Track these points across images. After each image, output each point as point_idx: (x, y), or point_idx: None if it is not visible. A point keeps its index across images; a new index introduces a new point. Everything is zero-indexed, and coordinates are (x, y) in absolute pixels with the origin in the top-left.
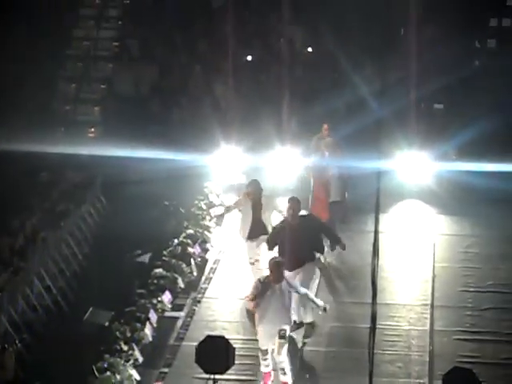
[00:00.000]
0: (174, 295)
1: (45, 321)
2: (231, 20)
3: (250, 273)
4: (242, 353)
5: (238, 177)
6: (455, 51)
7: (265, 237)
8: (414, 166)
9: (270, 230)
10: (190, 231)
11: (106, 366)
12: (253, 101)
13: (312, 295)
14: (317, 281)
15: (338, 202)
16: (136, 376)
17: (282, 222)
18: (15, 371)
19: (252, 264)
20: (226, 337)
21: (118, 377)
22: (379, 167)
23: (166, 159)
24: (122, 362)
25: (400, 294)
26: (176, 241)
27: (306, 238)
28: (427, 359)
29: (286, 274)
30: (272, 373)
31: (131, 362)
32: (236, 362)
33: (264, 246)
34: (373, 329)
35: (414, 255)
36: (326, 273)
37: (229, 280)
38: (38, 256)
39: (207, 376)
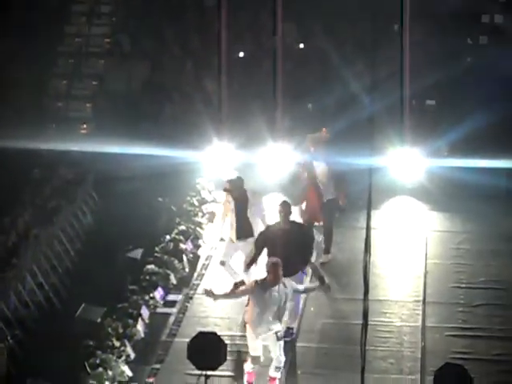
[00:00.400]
0: (166, 291)
1: (37, 317)
2: (223, 16)
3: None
4: (233, 349)
5: (230, 173)
6: (447, 47)
7: (252, 239)
8: (406, 163)
9: (256, 231)
10: (182, 227)
11: (98, 362)
12: (245, 97)
13: (311, 285)
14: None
15: (332, 200)
16: (128, 372)
17: (272, 225)
18: (7, 367)
19: (222, 264)
20: (218, 333)
21: (110, 373)
22: (371, 163)
23: (158, 155)
24: (114, 358)
25: (392, 290)
26: (168, 237)
27: (297, 244)
28: (419, 355)
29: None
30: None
31: (123, 358)
32: (228, 358)
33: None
34: (365, 325)
35: (406, 251)
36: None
37: (221, 276)
38: (31, 252)
39: (199, 372)
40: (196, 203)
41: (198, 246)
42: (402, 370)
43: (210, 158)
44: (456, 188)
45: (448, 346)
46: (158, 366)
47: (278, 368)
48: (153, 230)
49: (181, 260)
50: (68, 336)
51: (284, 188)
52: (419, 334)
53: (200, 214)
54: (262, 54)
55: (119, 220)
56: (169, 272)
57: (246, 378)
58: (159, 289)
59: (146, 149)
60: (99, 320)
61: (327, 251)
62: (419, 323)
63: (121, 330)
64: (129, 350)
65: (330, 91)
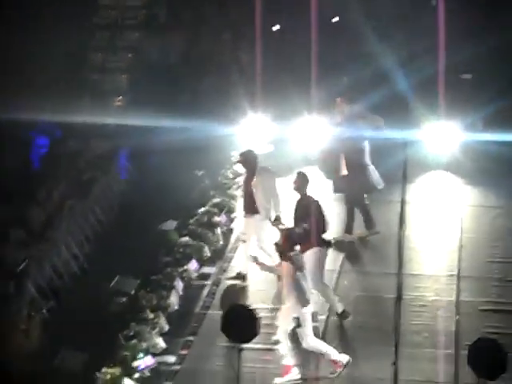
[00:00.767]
0: (200, 264)
1: (71, 288)
2: None
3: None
4: (267, 322)
5: (265, 146)
6: (484, 21)
7: (259, 216)
8: (442, 137)
9: (262, 209)
10: (217, 200)
11: (132, 333)
12: (280, 69)
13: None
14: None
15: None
16: (162, 344)
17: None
18: (41, 339)
19: (243, 242)
20: (252, 306)
21: (144, 344)
22: (406, 137)
23: (194, 128)
24: (148, 329)
25: (426, 264)
26: (202, 210)
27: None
28: (453, 330)
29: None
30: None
31: (157, 329)
32: (261, 330)
33: (260, 228)
34: (399, 299)
35: (441, 226)
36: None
37: (255, 249)
38: (65, 224)
39: (233, 344)
40: (230, 176)
41: (231, 219)
42: (436, 344)
43: (244, 130)
44: (491, 162)
45: (482, 321)
46: (191, 338)
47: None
48: (187, 203)
49: (215, 233)
50: (102, 307)
51: (317, 161)
52: (453, 308)
53: (234, 186)
54: (298, 27)
55: (154, 193)
56: (203, 244)
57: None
58: (193, 261)
59: (181, 122)
60: (133, 292)
61: (347, 230)
62: (453, 298)
63: (155, 302)
64: (163, 321)
65: (366, 64)
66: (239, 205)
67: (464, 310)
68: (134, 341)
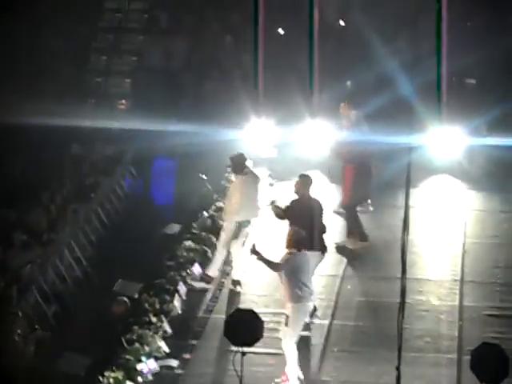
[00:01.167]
0: (203, 267)
1: (74, 292)
2: None
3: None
4: (270, 326)
5: (269, 150)
6: (488, 25)
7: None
8: (445, 141)
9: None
10: (220, 204)
11: (134, 337)
12: (284, 74)
13: None
14: None
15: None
16: (165, 348)
17: (295, 200)
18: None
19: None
20: (255, 310)
21: (147, 348)
22: (410, 142)
23: (197, 132)
24: (151, 333)
25: (430, 269)
26: (206, 213)
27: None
28: (456, 334)
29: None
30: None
31: (160, 333)
32: (264, 335)
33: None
34: (402, 303)
35: (444, 230)
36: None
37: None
38: (69, 228)
39: (236, 348)
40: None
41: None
42: (439, 348)
43: (248, 134)
44: (495, 167)
45: (485, 326)
46: (194, 341)
47: None
48: (191, 207)
49: (218, 236)
50: (105, 311)
51: (322, 165)
52: (456, 313)
53: None
54: (301, 31)
55: (157, 196)
56: (206, 248)
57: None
58: (196, 265)
59: (184, 126)
60: (136, 295)
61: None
62: (456, 302)
63: (158, 306)
64: (166, 325)
65: (370, 68)
66: None
67: (467, 315)
68: (137, 345)
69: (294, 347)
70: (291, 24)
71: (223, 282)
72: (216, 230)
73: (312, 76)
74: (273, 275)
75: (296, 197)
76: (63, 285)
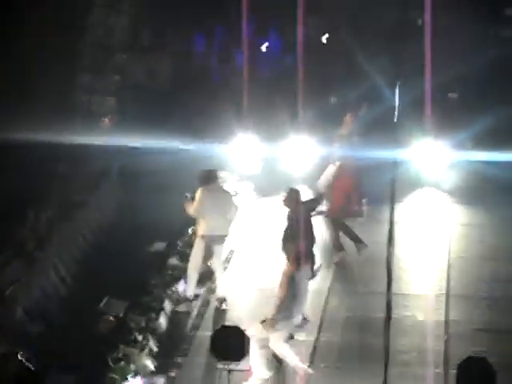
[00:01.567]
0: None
1: (60, 311)
2: (247, 8)
3: None
4: None
5: (254, 166)
6: (470, 40)
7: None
8: (430, 156)
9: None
10: None
11: (120, 355)
12: (269, 90)
13: None
14: None
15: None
16: (151, 366)
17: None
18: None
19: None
20: (241, 327)
21: (133, 366)
22: (395, 156)
23: (183, 149)
24: (137, 351)
25: (415, 283)
26: (191, 230)
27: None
28: (442, 348)
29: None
30: None
31: (146, 351)
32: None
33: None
34: (388, 318)
35: (430, 245)
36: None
37: (243, 270)
38: (54, 247)
39: (222, 365)
40: None
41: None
42: (425, 363)
43: (234, 151)
44: (480, 181)
45: (471, 340)
46: (180, 359)
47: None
48: (176, 224)
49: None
50: (91, 330)
51: (307, 181)
52: (442, 327)
53: None
54: (287, 47)
55: (143, 214)
56: None
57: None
58: (182, 282)
59: (170, 142)
60: (122, 314)
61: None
62: (442, 317)
63: (143, 324)
64: (151, 343)
65: (354, 85)
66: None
67: (453, 330)
68: (123, 363)
69: (286, 344)
70: (276, 40)
71: (209, 300)
72: None
73: (298, 92)
74: (258, 291)
75: (288, 211)
76: (48, 303)
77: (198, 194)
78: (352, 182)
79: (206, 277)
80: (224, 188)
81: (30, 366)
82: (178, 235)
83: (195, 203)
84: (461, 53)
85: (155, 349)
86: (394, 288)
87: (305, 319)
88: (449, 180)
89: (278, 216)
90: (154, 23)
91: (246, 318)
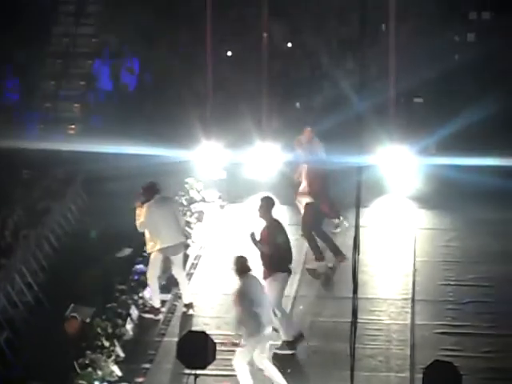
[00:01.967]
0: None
1: (26, 317)
2: (210, 14)
3: None
4: (223, 348)
5: (219, 172)
6: (434, 45)
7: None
8: (395, 161)
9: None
10: None
11: (87, 361)
12: (233, 96)
13: None
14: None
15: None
16: (117, 372)
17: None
18: None
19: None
20: (207, 332)
21: (100, 373)
22: (360, 162)
23: (147, 155)
24: (104, 358)
25: (381, 288)
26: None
27: (281, 242)
28: (408, 353)
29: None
30: None
31: (113, 358)
32: (217, 357)
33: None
34: (354, 323)
35: (395, 249)
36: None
37: (210, 275)
38: (20, 253)
39: (189, 371)
40: (185, 203)
41: (186, 246)
42: (392, 367)
43: (198, 157)
44: (444, 186)
45: (437, 344)
46: (147, 365)
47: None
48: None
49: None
50: (57, 336)
51: (272, 187)
52: (408, 331)
53: (189, 213)
54: (250, 53)
55: (108, 219)
56: None
57: None
58: (148, 288)
59: (134, 148)
60: (88, 320)
61: (318, 258)
62: (408, 321)
63: (110, 330)
64: (118, 349)
65: (319, 90)
66: (194, 231)
67: (419, 333)
68: (90, 369)
69: (246, 367)
70: (240, 46)
71: (175, 305)
72: None
73: (262, 98)
74: (225, 296)
75: (263, 221)
76: (14, 310)
77: (144, 210)
78: (316, 186)
79: (172, 283)
80: (167, 196)
81: None
82: (145, 241)
83: (143, 219)
84: (425, 57)
85: (122, 355)
86: (360, 293)
87: (275, 330)
88: (413, 185)
89: (244, 222)
90: (119, 30)
91: (213, 324)
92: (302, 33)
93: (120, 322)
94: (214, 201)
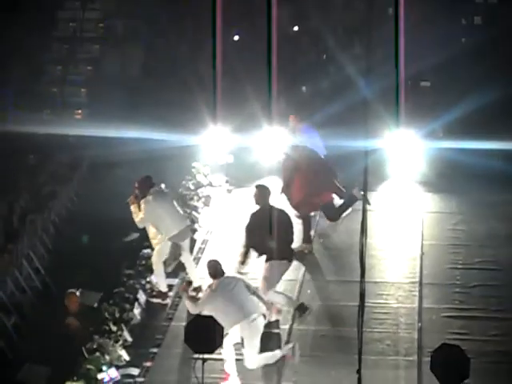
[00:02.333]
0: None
1: (34, 302)
2: None
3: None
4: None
5: (226, 157)
6: (442, 29)
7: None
8: (402, 145)
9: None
10: None
11: (95, 346)
12: (240, 80)
13: None
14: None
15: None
16: (125, 356)
17: (254, 212)
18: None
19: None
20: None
21: (108, 357)
22: (367, 146)
23: (154, 140)
24: (112, 342)
25: (388, 271)
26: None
27: (279, 229)
28: (416, 337)
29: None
30: None
31: (120, 342)
32: None
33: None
34: (361, 307)
35: (402, 233)
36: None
37: (217, 259)
38: (26, 238)
39: (196, 356)
40: (192, 187)
41: (194, 230)
42: (399, 351)
43: (205, 141)
44: (451, 169)
45: (445, 327)
46: (155, 349)
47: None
48: None
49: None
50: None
51: (279, 171)
52: (416, 315)
53: (196, 197)
54: (258, 37)
55: (115, 204)
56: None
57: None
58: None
59: (141, 133)
60: (96, 305)
61: (305, 240)
62: (416, 304)
63: (117, 315)
64: (126, 334)
65: (325, 74)
66: (201, 216)
67: (426, 317)
68: (98, 354)
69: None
70: (247, 30)
71: None
72: None
73: (269, 82)
74: None
75: (257, 208)
76: (22, 295)
77: (142, 206)
78: (313, 174)
79: (180, 267)
80: (161, 188)
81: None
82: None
83: (142, 216)
84: (432, 41)
85: (130, 339)
86: (367, 276)
87: (264, 316)
88: (420, 168)
89: (251, 206)
90: (126, 15)
91: None
92: (309, 17)
93: (127, 306)
94: (221, 185)
